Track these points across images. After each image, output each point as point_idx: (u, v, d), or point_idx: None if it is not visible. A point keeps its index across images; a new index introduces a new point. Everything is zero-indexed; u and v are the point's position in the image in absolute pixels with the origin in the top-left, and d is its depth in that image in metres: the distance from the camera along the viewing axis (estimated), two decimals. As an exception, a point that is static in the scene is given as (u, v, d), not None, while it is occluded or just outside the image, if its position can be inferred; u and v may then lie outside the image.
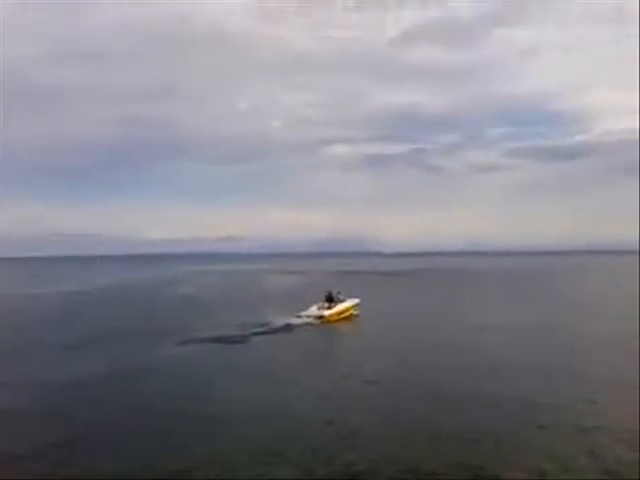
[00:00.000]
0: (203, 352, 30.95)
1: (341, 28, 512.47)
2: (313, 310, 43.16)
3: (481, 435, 16.78)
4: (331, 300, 44.25)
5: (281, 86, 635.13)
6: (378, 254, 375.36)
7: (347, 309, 44.97)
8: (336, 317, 42.97)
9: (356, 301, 46.73)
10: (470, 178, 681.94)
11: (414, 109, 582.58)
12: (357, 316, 45.24)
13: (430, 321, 43.78)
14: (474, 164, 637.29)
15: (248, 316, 43.29)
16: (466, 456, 15.15)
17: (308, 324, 40.33)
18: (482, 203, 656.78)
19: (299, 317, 41.49)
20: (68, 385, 23.51)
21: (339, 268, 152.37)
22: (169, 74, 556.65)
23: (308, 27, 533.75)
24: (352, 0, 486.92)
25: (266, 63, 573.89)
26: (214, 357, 29.87)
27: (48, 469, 14.76)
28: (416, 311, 51.06)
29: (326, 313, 42.53)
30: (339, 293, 45.75)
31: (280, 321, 40.09)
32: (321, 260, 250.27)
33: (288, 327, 38.95)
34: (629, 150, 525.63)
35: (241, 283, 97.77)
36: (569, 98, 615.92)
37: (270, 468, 14.56)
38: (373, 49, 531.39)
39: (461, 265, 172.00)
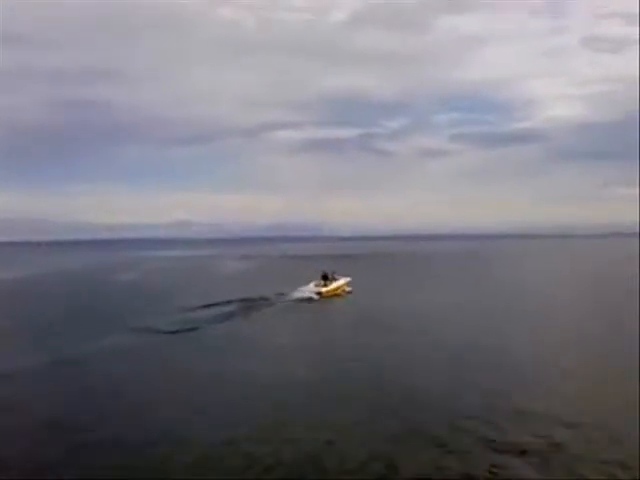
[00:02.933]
0: (149, 341, 28.68)
1: (288, 10, 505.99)
2: (311, 287, 46.41)
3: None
4: (326, 278, 47.83)
5: (228, 69, 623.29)
6: (328, 238, 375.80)
7: (340, 286, 48.77)
8: (332, 293, 46.74)
9: (348, 279, 50.35)
10: (418, 162, 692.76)
11: (362, 94, 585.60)
12: (350, 292, 48.66)
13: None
14: (422, 149, 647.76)
15: (197, 300, 41.41)
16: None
17: (304, 299, 43.40)
18: (430, 187, 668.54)
19: (299, 292, 44.89)
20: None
21: (290, 252, 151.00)
22: (113, 56, 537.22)
23: (255, 9, 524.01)
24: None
25: (213, 45, 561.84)
26: (161, 346, 27.68)
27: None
28: (376, 293, 50.26)
29: (323, 290, 46.09)
30: (334, 272, 49.55)
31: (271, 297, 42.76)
32: (272, 245, 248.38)
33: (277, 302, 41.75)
34: (569, 137, 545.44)
35: (190, 269, 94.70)
36: (511, 86, 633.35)
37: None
38: (321, 33, 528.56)
39: (411, 248, 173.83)
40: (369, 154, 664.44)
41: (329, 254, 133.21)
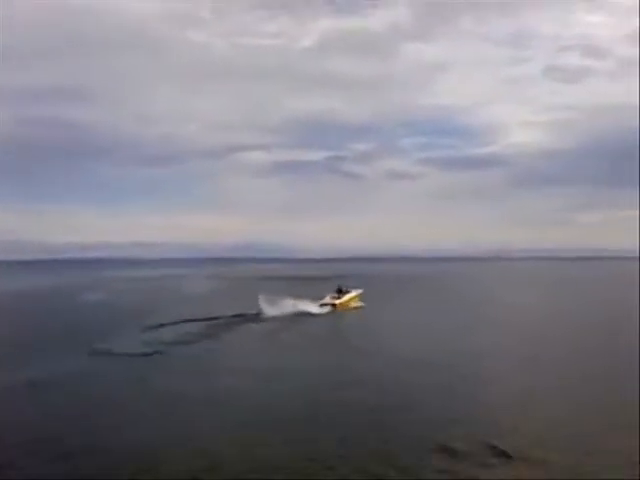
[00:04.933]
0: (111, 365, 28.01)
1: (256, 36, 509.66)
2: (327, 299, 51.92)
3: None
4: (340, 292, 53.61)
5: (196, 91, 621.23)
6: (295, 260, 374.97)
7: (352, 298, 53.94)
8: (345, 304, 52.24)
9: (360, 291, 56.13)
10: (385, 185, 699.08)
11: (330, 117, 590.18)
12: (361, 307, 53.20)
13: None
14: (389, 172, 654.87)
15: (162, 320, 40.80)
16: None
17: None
18: (397, 209, 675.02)
19: (320, 305, 49.74)
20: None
21: (258, 273, 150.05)
22: (81, 75, 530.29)
23: (223, 34, 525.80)
24: (266, 9, 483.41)
25: (182, 68, 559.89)
26: (123, 370, 26.96)
27: None
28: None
29: (336, 302, 51.49)
30: (347, 287, 55.83)
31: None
32: (239, 265, 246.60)
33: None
34: (530, 162, 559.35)
35: (155, 289, 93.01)
36: (475, 112, 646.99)
37: None
38: (289, 57, 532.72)
39: (376, 271, 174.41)
40: (336, 176, 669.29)
41: (298, 275, 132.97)
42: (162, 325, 39.93)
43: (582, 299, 67.50)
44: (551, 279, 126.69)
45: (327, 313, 48.72)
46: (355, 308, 52.87)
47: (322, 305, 50.36)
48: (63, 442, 16.42)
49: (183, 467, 14.49)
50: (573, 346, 32.87)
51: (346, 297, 53.15)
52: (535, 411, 19.49)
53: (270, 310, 45.63)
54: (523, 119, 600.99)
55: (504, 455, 14.91)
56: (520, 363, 28.12)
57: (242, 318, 44.22)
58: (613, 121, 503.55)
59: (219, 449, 15.67)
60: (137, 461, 14.94)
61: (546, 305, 60.80)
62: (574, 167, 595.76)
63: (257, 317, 44.68)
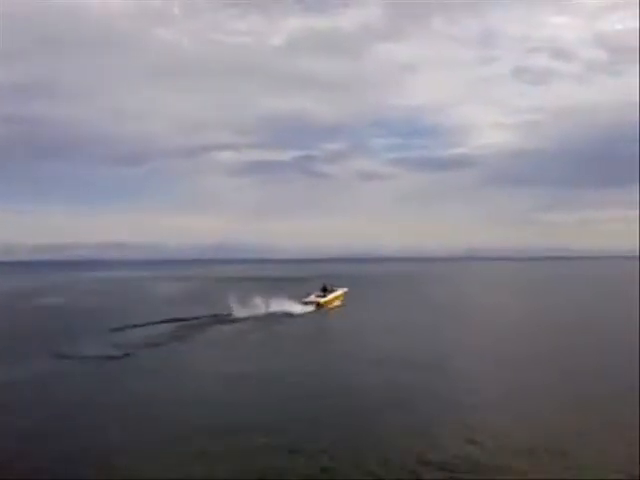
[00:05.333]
0: (76, 368, 26.85)
1: (227, 33, 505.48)
2: (312, 297, 52.03)
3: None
4: (325, 290, 53.83)
5: (167, 89, 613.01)
6: (266, 260, 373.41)
7: (337, 297, 54.47)
8: (330, 303, 52.60)
9: (345, 290, 56.76)
10: (356, 185, 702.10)
11: (300, 117, 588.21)
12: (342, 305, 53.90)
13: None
14: (360, 172, 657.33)
15: (131, 323, 39.73)
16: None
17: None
18: (368, 210, 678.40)
19: (303, 303, 49.65)
20: None
21: (229, 274, 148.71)
22: (48, 72, 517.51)
23: (194, 31, 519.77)
24: (236, 6, 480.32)
25: (151, 65, 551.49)
26: (89, 373, 25.91)
27: None
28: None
29: (321, 300, 51.70)
30: (332, 285, 56.19)
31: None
32: (211, 267, 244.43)
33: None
34: (500, 163, 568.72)
35: (125, 291, 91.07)
36: (445, 113, 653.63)
37: None
38: (259, 56, 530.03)
39: (348, 271, 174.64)
40: (308, 176, 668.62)
41: (270, 276, 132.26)
42: (131, 327, 38.93)
43: (551, 298, 68.34)
44: (521, 279, 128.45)
45: (305, 313, 47.38)
46: (337, 307, 53.01)
47: (306, 303, 50.19)
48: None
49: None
50: (541, 344, 32.94)
51: (331, 296, 53.37)
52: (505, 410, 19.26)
53: (242, 311, 44.91)
54: (492, 120, 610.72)
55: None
56: (483, 360, 28.09)
57: (214, 319, 43.45)
58: (579, 123, 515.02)
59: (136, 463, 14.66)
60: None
61: (515, 304, 61.31)
62: (542, 168, 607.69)
63: (228, 318, 43.91)
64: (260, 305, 46.56)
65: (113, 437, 16.66)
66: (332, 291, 54.40)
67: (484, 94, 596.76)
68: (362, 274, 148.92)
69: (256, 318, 43.83)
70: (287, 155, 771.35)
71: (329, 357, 30.02)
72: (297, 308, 47.93)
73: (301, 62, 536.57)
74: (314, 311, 48.91)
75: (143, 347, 31.75)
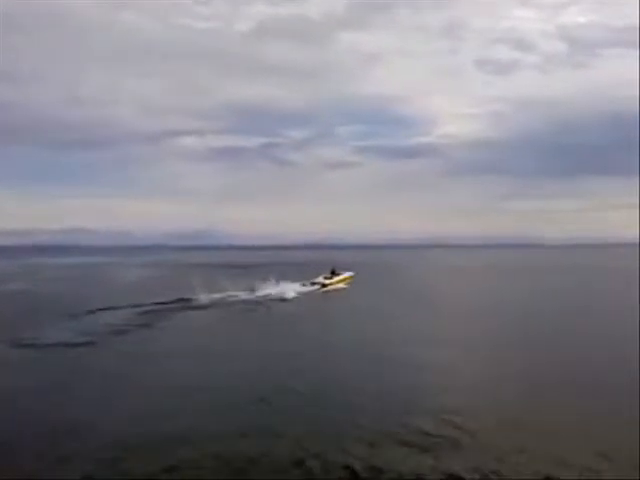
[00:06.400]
0: (34, 356, 26.81)
1: (192, 17, 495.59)
2: (320, 279, 58.13)
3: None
4: (333, 273, 60.30)
5: (130, 73, 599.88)
6: (231, 247, 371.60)
7: (342, 280, 60.36)
8: (335, 284, 58.41)
9: (351, 273, 62.98)
10: (321, 173, 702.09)
11: (266, 103, 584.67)
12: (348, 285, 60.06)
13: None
14: (325, 160, 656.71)
15: (92, 309, 39.75)
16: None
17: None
18: (333, 198, 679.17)
19: (310, 284, 56.46)
20: None
21: (191, 260, 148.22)
22: (6, 55, 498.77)
23: (159, 15, 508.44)
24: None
25: (114, 49, 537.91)
26: (47, 361, 25.78)
27: None
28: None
29: (327, 282, 57.74)
30: (339, 269, 62.27)
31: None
32: (172, 253, 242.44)
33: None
34: (465, 152, 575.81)
35: (85, 276, 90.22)
36: (410, 102, 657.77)
37: None
38: (225, 41, 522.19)
39: (313, 257, 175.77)
40: (272, 163, 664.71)
41: (233, 263, 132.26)
42: (93, 312, 39.18)
43: (511, 286, 70.63)
44: (482, 266, 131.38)
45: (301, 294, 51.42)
46: (342, 288, 58.21)
47: (313, 284, 56.74)
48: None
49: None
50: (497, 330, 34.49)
51: (336, 278, 59.56)
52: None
53: (206, 297, 45.66)
54: (457, 110, 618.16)
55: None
56: (438, 348, 29.34)
57: (180, 304, 43.94)
58: (540, 114, 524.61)
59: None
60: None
61: (473, 291, 63.41)
62: (505, 157, 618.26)
63: (194, 304, 44.48)
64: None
65: (78, 429, 16.44)
66: (339, 275, 60.81)
67: (448, 84, 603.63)
68: (325, 261, 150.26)
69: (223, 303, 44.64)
70: (253, 142, 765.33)
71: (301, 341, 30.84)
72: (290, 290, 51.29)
73: (267, 49, 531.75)
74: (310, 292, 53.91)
75: (110, 334, 31.90)
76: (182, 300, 45.55)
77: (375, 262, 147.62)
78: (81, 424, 16.78)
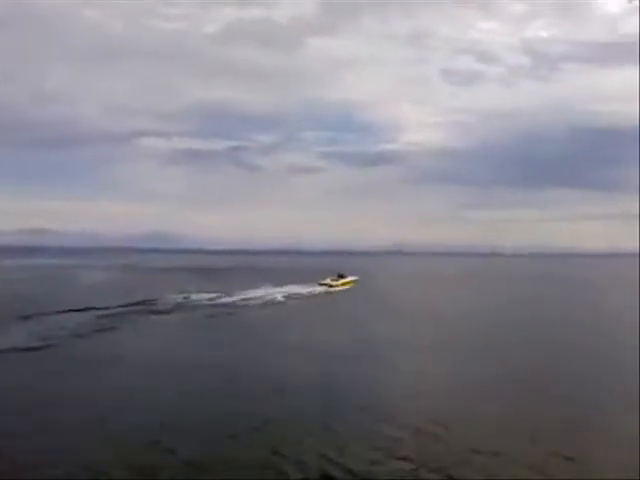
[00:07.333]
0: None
1: (159, 18, 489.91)
2: (327, 280, 68.02)
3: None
4: (340, 276, 71.07)
5: (94, 73, 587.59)
6: (199, 251, 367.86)
7: (346, 282, 70.42)
8: (340, 286, 67.96)
9: (355, 277, 73.47)
10: (286, 178, 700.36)
11: (232, 107, 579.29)
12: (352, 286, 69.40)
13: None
14: (291, 165, 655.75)
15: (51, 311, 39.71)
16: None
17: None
18: (298, 203, 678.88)
19: (318, 284, 66.15)
20: None
21: (153, 264, 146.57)
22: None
23: (124, 14, 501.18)
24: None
25: (78, 48, 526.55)
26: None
27: None
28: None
29: (333, 283, 67.74)
30: (345, 274, 72.80)
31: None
32: (136, 255, 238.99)
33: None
34: (429, 161, 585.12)
35: (49, 279, 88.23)
36: (376, 109, 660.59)
37: None
38: (192, 43, 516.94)
39: (277, 263, 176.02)
40: (238, 167, 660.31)
41: (196, 267, 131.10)
42: (52, 315, 38.93)
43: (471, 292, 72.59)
44: (444, 273, 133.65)
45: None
46: (345, 289, 66.76)
47: (321, 284, 66.03)
48: None
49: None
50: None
51: (341, 281, 69.73)
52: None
53: (169, 300, 45.86)
54: (422, 118, 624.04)
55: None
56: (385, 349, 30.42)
57: (141, 308, 44.07)
58: (503, 125, 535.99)
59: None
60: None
61: (433, 295, 65.32)
62: (469, 167, 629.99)
63: (156, 307, 44.72)
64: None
65: (30, 439, 16.39)
66: (345, 277, 71.03)
67: (415, 92, 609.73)
68: (288, 266, 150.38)
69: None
70: (220, 145, 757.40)
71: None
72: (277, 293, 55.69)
73: (235, 52, 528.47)
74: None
75: (68, 337, 31.89)
76: (144, 303, 45.63)
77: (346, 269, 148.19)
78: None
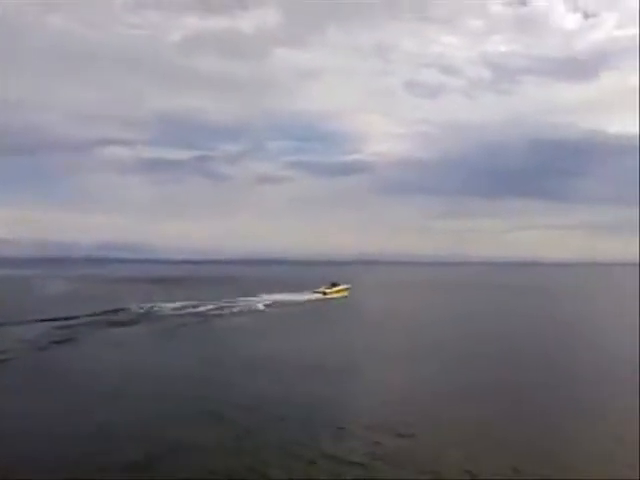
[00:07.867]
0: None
1: (123, 25, 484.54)
2: (322, 288, 71.21)
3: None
4: (334, 285, 73.91)
5: (56, 79, 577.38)
6: (167, 261, 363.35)
7: (340, 290, 72.91)
8: (334, 293, 70.87)
9: (348, 285, 76.43)
10: (252, 188, 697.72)
11: (197, 116, 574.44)
12: (346, 295, 72.09)
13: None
14: (256, 174, 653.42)
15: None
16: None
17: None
18: (263, 213, 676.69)
19: (313, 292, 69.88)
20: None
21: (116, 274, 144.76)
22: None
23: (88, 20, 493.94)
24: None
25: (39, 54, 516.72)
26: None
27: None
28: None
29: (327, 291, 70.60)
30: (338, 282, 76.20)
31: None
32: (98, 266, 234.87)
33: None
34: (394, 171, 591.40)
35: (2, 290, 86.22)
36: (342, 120, 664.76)
37: None
38: (156, 51, 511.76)
39: (241, 272, 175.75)
40: (203, 177, 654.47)
41: (163, 277, 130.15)
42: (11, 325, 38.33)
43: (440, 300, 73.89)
44: (410, 282, 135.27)
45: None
46: (340, 297, 69.74)
47: (315, 292, 68.93)
48: None
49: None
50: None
51: (334, 289, 72.00)
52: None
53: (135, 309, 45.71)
54: (386, 129, 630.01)
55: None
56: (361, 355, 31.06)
57: (103, 318, 43.56)
58: (465, 136, 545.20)
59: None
60: None
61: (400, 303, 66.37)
62: (432, 177, 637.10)
63: (120, 317, 44.37)
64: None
65: None
66: (337, 285, 73.86)
67: (380, 103, 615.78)
68: (252, 276, 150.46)
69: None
70: (182, 154, 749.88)
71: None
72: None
73: (199, 61, 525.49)
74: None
75: (28, 349, 31.41)
76: (108, 313, 45.21)
77: (314, 279, 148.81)
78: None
